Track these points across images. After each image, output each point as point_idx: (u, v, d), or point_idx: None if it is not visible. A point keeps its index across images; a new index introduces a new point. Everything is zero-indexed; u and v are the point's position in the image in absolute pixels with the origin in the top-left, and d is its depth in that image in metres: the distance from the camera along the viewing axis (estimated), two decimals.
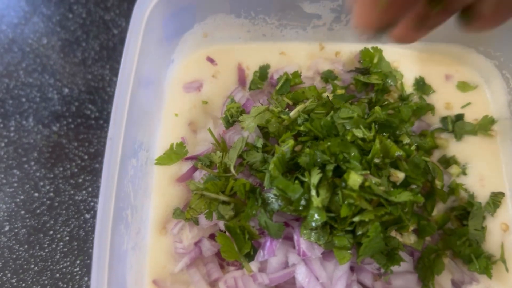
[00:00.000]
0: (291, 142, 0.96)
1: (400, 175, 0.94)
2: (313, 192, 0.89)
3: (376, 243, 0.91)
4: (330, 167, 0.92)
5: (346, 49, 1.29)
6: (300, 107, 1.06)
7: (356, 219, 0.89)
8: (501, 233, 1.13)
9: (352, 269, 1.01)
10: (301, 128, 1.01)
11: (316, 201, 0.89)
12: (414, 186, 0.98)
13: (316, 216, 0.89)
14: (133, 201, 0.98)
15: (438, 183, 1.08)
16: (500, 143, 1.20)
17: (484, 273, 1.04)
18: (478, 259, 1.04)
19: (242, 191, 0.98)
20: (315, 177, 0.91)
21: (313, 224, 0.90)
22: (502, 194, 1.15)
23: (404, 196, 0.89)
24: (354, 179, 0.86)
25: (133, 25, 0.95)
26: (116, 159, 0.87)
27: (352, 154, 0.93)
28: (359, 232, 0.91)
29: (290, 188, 0.91)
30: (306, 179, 0.91)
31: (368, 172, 0.90)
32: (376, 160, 0.95)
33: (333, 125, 1.00)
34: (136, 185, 1.00)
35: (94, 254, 0.81)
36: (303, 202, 0.91)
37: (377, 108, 1.05)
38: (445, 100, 1.24)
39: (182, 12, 1.10)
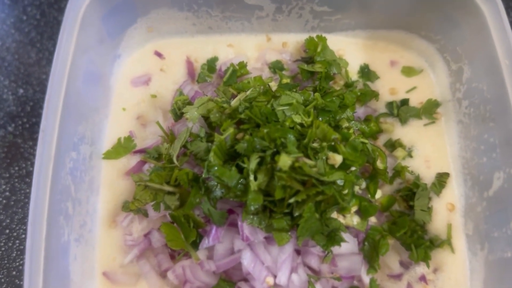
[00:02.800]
0: (230, 130, 0.98)
1: (337, 158, 0.96)
2: (251, 177, 0.91)
3: (312, 224, 0.93)
4: (269, 152, 0.94)
5: (292, 39, 1.31)
6: (241, 96, 1.08)
7: (292, 200, 0.91)
8: (447, 213, 1.15)
9: (298, 252, 1.03)
10: (242, 116, 1.03)
11: (253, 185, 0.91)
12: (353, 169, 0.99)
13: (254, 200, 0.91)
14: (74, 193, 0.99)
15: (380, 165, 1.10)
16: (445, 125, 1.23)
17: (423, 261, 1.06)
18: (418, 249, 1.06)
19: (185, 180, 1.00)
20: (253, 163, 0.92)
21: (252, 208, 0.92)
22: (447, 175, 1.18)
23: (336, 176, 0.91)
24: (284, 160, 0.89)
25: (65, 23, 0.97)
26: (50, 152, 0.88)
27: (289, 139, 0.95)
28: (296, 214, 0.93)
29: (226, 175, 0.93)
30: (246, 165, 0.93)
31: (301, 154, 0.92)
32: (314, 144, 0.97)
33: (273, 112, 1.02)
34: (78, 178, 1.01)
35: (27, 243, 0.82)
36: (241, 187, 0.93)
37: (316, 94, 1.07)
38: (390, 85, 1.27)
39: (121, 7, 1.12)
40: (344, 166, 0.97)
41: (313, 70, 1.19)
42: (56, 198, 0.90)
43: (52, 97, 0.91)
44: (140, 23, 1.22)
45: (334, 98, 1.11)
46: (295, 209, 0.93)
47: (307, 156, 0.95)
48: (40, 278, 0.84)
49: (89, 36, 1.04)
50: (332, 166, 0.96)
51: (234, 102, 1.06)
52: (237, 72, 1.22)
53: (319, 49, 1.22)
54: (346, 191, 0.97)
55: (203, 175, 0.96)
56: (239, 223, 0.99)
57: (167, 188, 1.04)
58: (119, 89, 1.23)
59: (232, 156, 0.99)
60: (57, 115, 0.91)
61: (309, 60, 1.23)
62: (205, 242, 1.01)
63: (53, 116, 0.91)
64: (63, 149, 0.94)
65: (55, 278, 0.89)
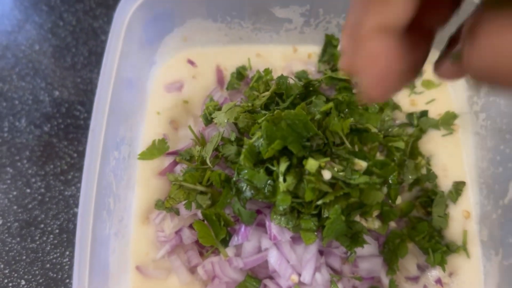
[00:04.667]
0: (258, 134, 1.04)
1: (362, 164, 1.02)
2: (281, 179, 0.97)
3: (337, 225, 0.98)
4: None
5: (317, 51, 1.37)
6: (266, 93, 1.14)
7: (320, 202, 0.97)
8: (463, 220, 1.21)
9: (321, 253, 1.09)
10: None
11: (283, 186, 0.97)
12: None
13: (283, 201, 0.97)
14: (115, 190, 1.05)
15: None
16: (462, 136, 1.29)
17: (439, 265, 1.12)
18: (435, 253, 1.12)
19: (217, 180, 1.06)
20: (282, 166, 0.98)
21: (281, 208, 0.98)
22: (463, 183, 1.23)
23: (362, 179, 0.97)
24: (311, 164, 0.95)
25: (114, 28, 1.04)
26: (97, 149, 0.95)
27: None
28: (325, 215, 0.99)
29: (256, 177, 0.99)
30: (275, 168, 0.99)
31: (328, 158, 0.98)
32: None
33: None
34: (119, 176, 1.08)
35: (77, 233, 0.88)
36: (269, 188, 0.99)
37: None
38: (411, 97, 1.33)
39: (161, 17, 1.19)
40: (368, 172, 1.03)
41: (336, 76, 1.25)
42: (101, 193, 0.96)
43: (100, 99, 0.98)
44: (177, 32, 1.29)
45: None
46: (323, 211, 0.99)
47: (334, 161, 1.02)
48: (86, 269, 0.90)
49: (131, 43, 1.12)
50: (356, 172, 1.03)
51: (263, 96, 1.13)
52: (263, 77, 1.28)
53: None
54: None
55: (234, 178, 1.02)
56: (267, 223, 1.05)
57: (200, 188, 1.10)
58: (154, 94, 1.31)
59: (261, 160, 1.05)
60: (104, 116, 0.98)
61: (333, 69, 1.30)
62: (235, 240, 1.07)
63: (101, 117, 0.98)
64: (108, 148, 1.01)
65: (97, 269, 0.95)
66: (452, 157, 1.27)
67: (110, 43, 1.03)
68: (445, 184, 1.24)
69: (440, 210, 1.18)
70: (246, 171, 0.99)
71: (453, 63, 0.54)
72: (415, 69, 0.55)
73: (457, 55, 0.53)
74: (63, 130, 1.43)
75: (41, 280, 1.26)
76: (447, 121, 1.29)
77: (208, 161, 1.10)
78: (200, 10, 1.23)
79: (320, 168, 0.96)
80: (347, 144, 1.04)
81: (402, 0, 0.45)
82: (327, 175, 0.97)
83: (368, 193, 0.98)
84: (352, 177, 0.98)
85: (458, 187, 1.23)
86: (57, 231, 1.31)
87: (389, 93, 0.54)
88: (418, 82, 1.35)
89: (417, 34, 0.53)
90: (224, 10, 1.25)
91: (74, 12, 1.60)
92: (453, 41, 0.57)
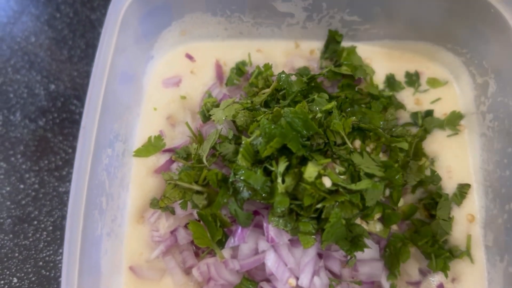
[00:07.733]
0: (257, 132, 1.00)
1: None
2: (279, 180, 0.94)
3: (337, 229, 0.95)
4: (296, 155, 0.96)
5: (320, 47, 1.34)
6: (267, 90, 1.11)
7: (319, 205, 0.93)
8: (467, 224, 1.17)
9: (320, 256, 1.05)
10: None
11: (281, 187, 0.93)
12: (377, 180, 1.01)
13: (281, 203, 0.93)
14: (108, 189, 1.02)
15: None
16: (468, 137, 1.24)
17: (442, 271, 1.08)
18: (438, 258, 1.08)
19: (214, 180, 1.03)
20: (281, 166, 0.95)
21: (279, 210, 0.94)
22: (468, 186, 1.19)
23: (363, 184, 0.93)
24: (310, 171, 0.91)
25: (107, 22, 1.01)
26: (89, 147, 0.92)
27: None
28: (324, 216, 0.95)
29: (253, 178, 0.95)
30: (274, 168, 0.96)
31: (329, 160, 0.95)
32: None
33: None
34: (112, 174, 1.05)
35: (66, 236, 0.85)
36: (267, 189, 0.96)
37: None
38: (415, 95, 1.29)
39: (158, 10, 1.16)
40: (369, 175, 0.99)
41: (339, 71, 1.21)
42: (93, 193, 0.93)
43: (93, 95, 0.95)
44: (175, 26, 1.25)
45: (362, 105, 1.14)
46: (323, 213, 0.95)
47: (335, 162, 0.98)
48: (76, 270, 0.87)
49: (127, 37, 1.08)
50: (358, 174, 0.99)
51: (263, 93, 1.10)
52: (263, 73, 1.24)
53: (345, 54, 1.25)
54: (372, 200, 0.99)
55: (230, 178, 0.98)
56: (265, 224, 1.02)
57: (196, 187, 1.07)
58: (151, 89, 1.27)
59: (260, 160, 1.02)
60: (97, 113, 0.95)
61: (336, 65, 1.26)
62: (231, 242, 1.04)
63: (93, 114, 0.94)
64: (101, 146, 0.97)
65: (88, 271, 0.92)
66: (457, 159, 1.23)
67: (104, 37, 1.00)
68: (449, 186, 1.20)
69: (445, 213, 1.14)
70: (242, 171, 0.96)
71: None
72: None
73: None
74: (59, 125, 1.40)
75: (33, 278, 1.23)
76: (453, 121, 1.25)
77: (204, 160, 1.07)
78: (199, 3, 1.19)
79: (320, 175, 0.92)
80: (349, 144, 1.01)
81: None
82: (327, 182, 0.93)
83: (366, 192, 0.94)
84: (353, 183, 0.94)
85: (463, 190, 1.19)
86: (50, 228, 1.29)
87: None
88: (423, 80, 1.31)
89: None
90: (224, 3, 1.21)
91: (71, 3, 1.56)
92: None
